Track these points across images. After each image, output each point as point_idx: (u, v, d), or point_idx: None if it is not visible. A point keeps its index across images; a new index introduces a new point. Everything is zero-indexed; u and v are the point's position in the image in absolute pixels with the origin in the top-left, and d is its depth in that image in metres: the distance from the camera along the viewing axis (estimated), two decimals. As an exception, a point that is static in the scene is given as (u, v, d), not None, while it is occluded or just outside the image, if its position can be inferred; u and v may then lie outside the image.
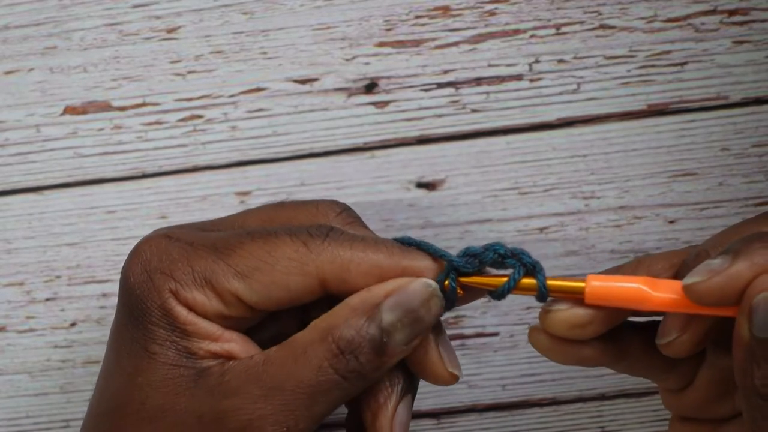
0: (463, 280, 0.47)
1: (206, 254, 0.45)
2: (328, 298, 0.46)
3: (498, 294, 0.47)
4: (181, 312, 0.45)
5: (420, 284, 0.45)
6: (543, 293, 0.46)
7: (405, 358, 0.46)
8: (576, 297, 0.46)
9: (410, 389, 0.47)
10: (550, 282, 0.46)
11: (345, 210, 0.49)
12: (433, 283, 0.46)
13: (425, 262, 0.46)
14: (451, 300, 0.47)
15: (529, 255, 0.47)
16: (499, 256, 0.47)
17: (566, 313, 0.46)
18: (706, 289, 0.44)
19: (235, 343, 0.46)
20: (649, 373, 0.49)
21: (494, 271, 0.48)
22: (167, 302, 0.45)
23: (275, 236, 0.45)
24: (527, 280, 0.46)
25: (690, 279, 0.44)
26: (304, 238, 0.45)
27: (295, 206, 0.49)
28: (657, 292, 0.45)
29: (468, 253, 0.47)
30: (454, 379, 0.47)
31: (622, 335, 0.48)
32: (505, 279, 0.46)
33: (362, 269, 0.45)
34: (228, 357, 0.45)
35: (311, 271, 0.45)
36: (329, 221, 0.48)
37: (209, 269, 0.45)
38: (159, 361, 0.45)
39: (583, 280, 0.46)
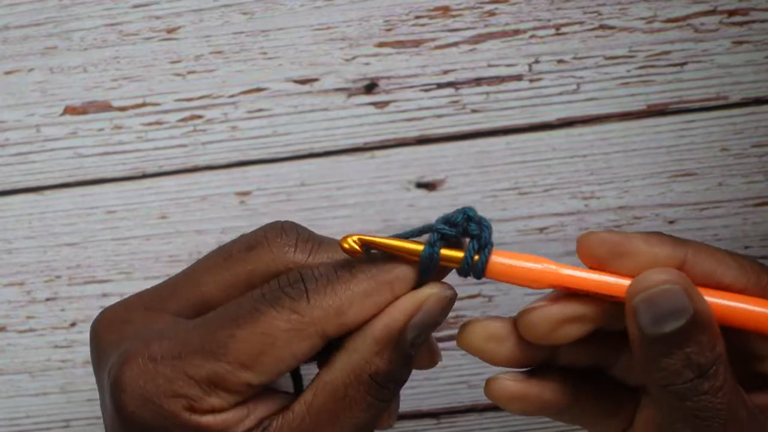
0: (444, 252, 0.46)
1: (201, 361, 0.44)
2: None
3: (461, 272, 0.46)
4: (209, 419, 0.44)
5: (438, 298, 0.45)
6: (465, 268, 0.46)
7: None
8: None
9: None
10: (447, 253, 0.46)
11: (298, 237, 0.47)
12: (450, 292, 0.45)
13: (402, 269, 0.46)
14: (434, 268, 0.46)
15: (483, 227, 0.46)
16: (466, 221, 0.46)
17: (483, 323, 0.47)
18: (598, 238, 0.45)
19: (262, 406, 0.45)
20: (594, 420, 0.49)
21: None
22: (190, 420, 0.44)
23: (260, 313, 0.44)
24: (454, 253, 0.46)
25: (589, 232, 0.45)
26: (289, 305, 0.44)
27: (246, 255, 0.47)
28: (563, 269, 0.45)
29: (448, 221, 0.46)
30: (434, 363, 0.48)
31: (571, 382, 0.48)
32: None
33: (356, 307, 0.45)
34: (260, 421, 0.45)
35: (311, 333, 0.44)
36: (290, 260, 0.46)
37: (212, 373, 0.44)
38: None
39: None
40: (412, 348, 0.45)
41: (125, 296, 0.49)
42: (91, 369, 0.59)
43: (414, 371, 0.60)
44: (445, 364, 0.60)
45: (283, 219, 0.48)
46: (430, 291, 0.45)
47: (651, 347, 0.43)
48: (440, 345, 0.60)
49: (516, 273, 0.45)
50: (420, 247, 0.45)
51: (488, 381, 0.47)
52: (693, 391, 0.43)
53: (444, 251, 0.46)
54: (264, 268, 0.46)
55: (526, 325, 0.46)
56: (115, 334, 0.47)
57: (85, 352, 0.60)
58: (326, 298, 0.44)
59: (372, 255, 0.46)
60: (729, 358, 0.44)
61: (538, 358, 0.47)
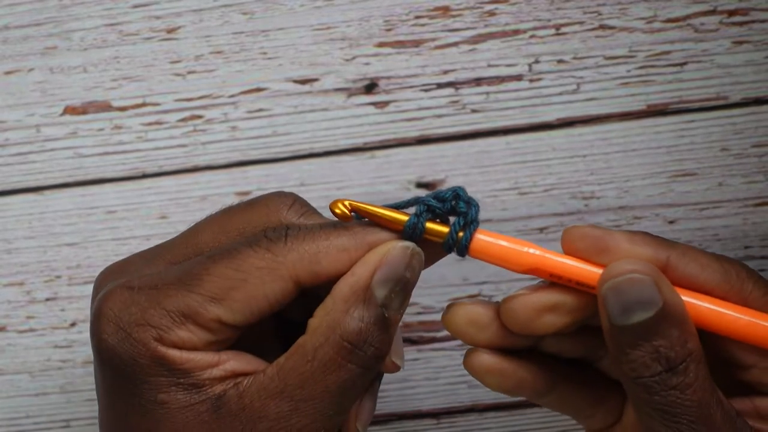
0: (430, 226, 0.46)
1: (174, 291, 0.44)
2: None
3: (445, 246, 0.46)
4: (174, 354, 0.44)
5: (398, 250, 0.45)
6: (449, 243, 0.46)
7: None
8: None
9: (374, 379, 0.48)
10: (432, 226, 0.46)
11: (296, 201, 0.48)
12: (410, 244, 0.45)
13: (385, 234, 0.46)
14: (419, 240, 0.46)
15: (471, 206, 0.46)
16: (455, 198, 0.46)
17: (466, 308, 0.47)
18: (580, 232, 0.45)
19: (234, 361, 0.45)
20: (576, 409, 0.49)
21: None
22: (156, 350, 0.44)
23: (237, 251, 0.45)
24: (439, 228, 0.46)
25: (573, 226, 0.45)
26: (266, 245, 0.45)
27: (245, 209, 0.48)
28: (543, 252, 0.45)
29: (437, 196, 0.46)
30: (396, 368, 0.48)
31: (553, 367, 0.48)
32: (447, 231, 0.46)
33: (331, 257, 0.45)
34: (234, 376, 0.45)
35: (283, 274, 0.44)
36: (283, 217, 0.47)
37: (183, 305, 0.44)
38: (172, 408, 0.44)
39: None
40: (386, 309, 0.45)
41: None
42: (91, 369, 0.60)
43: (414, 371, 0.60)
44: (445, 364, 0.60)
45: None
46: (391, 244, 0.45)
47: (620, 338, 0.43)
48: (440, 345, 0.60)
49: (498, 252, 0.45)
50: (405, 217, 0.46)
51: (467, 353, 0.47)
52: (661, 385, 0.43)
53: (429, 224, 0.46)
54: (257, 222, 0.47)
55: (507, 312, 0.46)
56: (109, 281, 0.47)
57: (85, 352, 0.60)
58: (303, 244, 0.45)
59: (361, 221, 0.46)
60: (708, 361, 0.44)
61: (520, 346, 0.47)
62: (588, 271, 0.45)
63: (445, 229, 0.46)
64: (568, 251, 0.45)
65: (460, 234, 0.46)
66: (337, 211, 0.46)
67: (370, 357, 0.45)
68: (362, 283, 0.45)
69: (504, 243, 0.46)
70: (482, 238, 0.46)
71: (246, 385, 0.44)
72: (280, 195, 0.48)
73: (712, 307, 0.44)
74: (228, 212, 0.48)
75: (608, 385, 0.49)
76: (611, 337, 0.44)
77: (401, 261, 0.45)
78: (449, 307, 0.47)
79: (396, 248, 0.45)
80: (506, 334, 0.47)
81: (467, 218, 0.46)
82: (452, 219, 0.46)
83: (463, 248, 0.46)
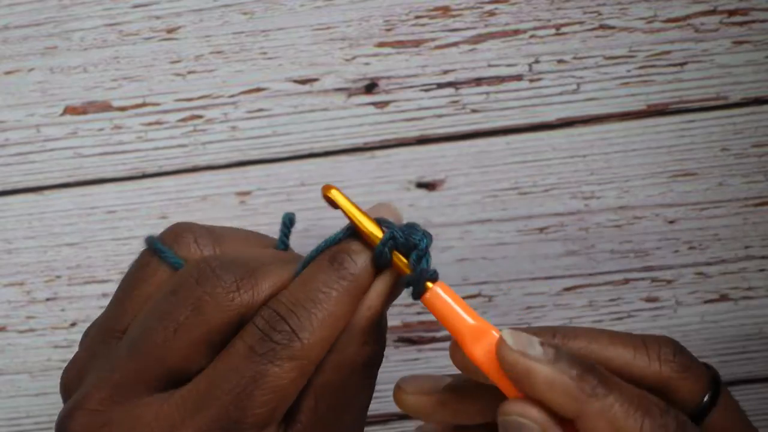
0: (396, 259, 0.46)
1: None
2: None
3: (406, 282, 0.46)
4: None
5: (390, 281, 0.46)
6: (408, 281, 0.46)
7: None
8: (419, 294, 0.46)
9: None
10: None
11: (236, 281, 0.46)
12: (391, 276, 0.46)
13: (368, 276, 0.46)
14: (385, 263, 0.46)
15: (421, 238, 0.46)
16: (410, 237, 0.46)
17: (408, 398, 0.48)
18: (503, 355, 0.43)
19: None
20: None
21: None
22: None
23: (263, 375, 0.44)
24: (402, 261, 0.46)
25: (507, 336, 0.44)
26: (286, 354, 0.44)
27: (195, 319, 0.45)
28: (473, 343, 0.44)
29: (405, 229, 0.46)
30: None
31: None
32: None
33: (339, 326, 0.45)
34: None
35: (311, 369, 0.45)
36: (236, 303, 0.45)
37: None
38: None
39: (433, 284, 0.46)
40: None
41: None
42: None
43: (414, 372, 0.60)
44: (444, 364, 0.60)
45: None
46: (383, 279, 0.46)
47: None
48: (440, 345, 0.60)
49: (445, 313, 0.45)
50: (379, 235, 0.46)
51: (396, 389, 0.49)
52: None
53: (396, 257, 0.46)
54: (218, 323, 0.45)
55: (399, 399, 0.48)
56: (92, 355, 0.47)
57: (85, 352, 0.60)
58: (315, 332, 0.44)
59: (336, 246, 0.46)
60: None
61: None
62: (507, 388, 0.44)
63: (405, 268, 0.46)
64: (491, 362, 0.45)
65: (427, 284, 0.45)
66: (330, 196, 0.46)
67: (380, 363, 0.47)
68: (377, 314, 0.46)
69: (452, 305, 0.45)
70: (436, 290, 0.45)
71: None
72: (205, 274, 0.45)
73: None
74: (178, 330, 0.45)
75: None
76: None
77: (395, 290, 0.47)
78: (396, 388, 0.48)
79: (387, 281, 0.46)
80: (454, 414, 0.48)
81: (419, 251, 0.46)
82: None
83: (417, 293, 0.46)
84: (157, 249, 0.46)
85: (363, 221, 0.46)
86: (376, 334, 0.46)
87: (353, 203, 0.46)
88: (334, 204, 0.46)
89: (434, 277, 0.45)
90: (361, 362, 0.45)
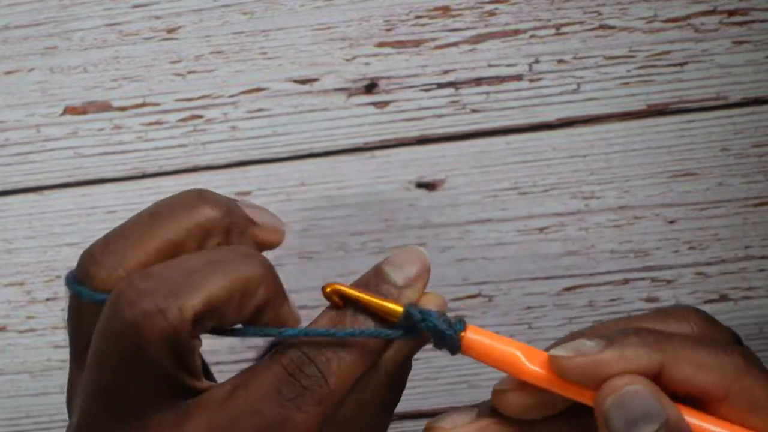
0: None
1: None
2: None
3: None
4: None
5: None
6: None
7: None
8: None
9: None
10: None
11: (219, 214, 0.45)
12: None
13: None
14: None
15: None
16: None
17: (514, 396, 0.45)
18: (568, 366, 0.43)
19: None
20: None
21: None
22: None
23: (290, 422, 0.42)
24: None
25: (556, 351, 0.43)
26: (313, 400, 0.42)
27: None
28: (530, 363, 0.44)
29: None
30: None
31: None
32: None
33: (357, 373, 0.44)
34: None
35: (333, 409, 0.43)
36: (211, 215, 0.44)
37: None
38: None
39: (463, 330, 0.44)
40: None
41: None
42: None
43: (414, 371, 0.60)
44: (444, 364, 0.60)
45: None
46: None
47: None
48: (440, 345, 0.60)
49: (488, 352, 0.44)
50: (399, 309, 0.43)
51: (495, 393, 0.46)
52: None
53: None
54: (156, 352, 0.42)
55: (502, 402, 0.45)
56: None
57: (85, 352, 0.60)
58: (343, 374, 0.43)
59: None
60: None
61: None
62: (582, 392, 0.44)
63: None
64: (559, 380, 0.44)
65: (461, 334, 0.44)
66: (335, 300, 0.43)
67: None
68: (403, 357, 0.45)
69: (493, 343, 0.44)
70: (472, 337, 0.44)
71: None
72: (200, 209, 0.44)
73: (707, 426, 0.44)
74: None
75: None
76: None
77: None
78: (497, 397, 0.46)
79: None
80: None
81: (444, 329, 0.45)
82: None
83: (454, 351, 0.44)
84: (75, 291, 0.44)
85: (382, 304, 0.43)
86: (401, 375, 0.45)
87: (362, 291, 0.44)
88: (339, 303, 0.43)
89: (463, 328, 0.44)
90: (381, 402, 0.44)
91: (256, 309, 0.43)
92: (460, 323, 0.44)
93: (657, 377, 0.43)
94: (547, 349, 0.44)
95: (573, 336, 0.45)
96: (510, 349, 0.44)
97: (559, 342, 0.45)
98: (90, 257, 0.44)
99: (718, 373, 0.43)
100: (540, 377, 0.44)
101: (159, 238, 0.44)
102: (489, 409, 0.46)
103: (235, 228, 0.45)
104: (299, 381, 0.42)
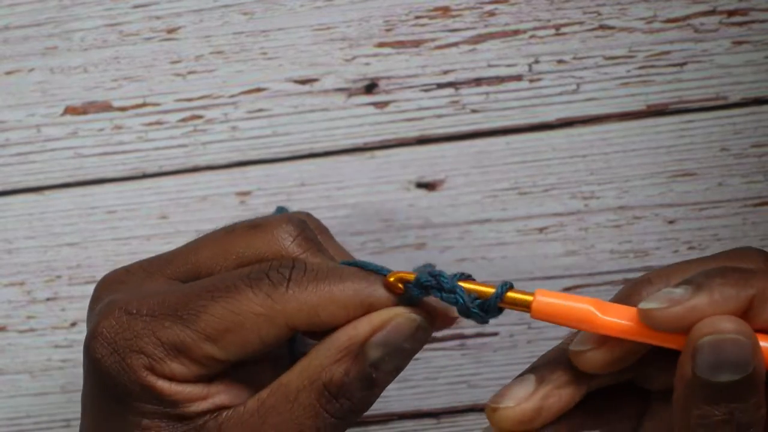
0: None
1: (171, 324, 0.44)
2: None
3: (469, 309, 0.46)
4: (164, 385, 0.44)
5: (405, 321, 0.45)
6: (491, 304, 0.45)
7: None
8: (522, 309, 0.45)
9: None
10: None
11: (301, 233, 0.47)
12: (418, 317, 0.45)
13: (384, 296, 0.45)
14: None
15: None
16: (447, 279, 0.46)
17: (514, 411, 0.45)
18: (662, 317, 0.43)
19: (224, 394, 0.45)
20: (595, 421, 0.48)
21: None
22: (147, 379, 0.44)
23: (236, 291, 0.44)
24: (485, 288, 0.45)
25: (648, 304, 0.43)
26: (267, 289, 0.44)
27: (248, 232, 0.47)
28: (605, 315, 0.44)
29: (431, 272, 0.46)
30: (449, 321, 0.47)
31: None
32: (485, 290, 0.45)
33: (330, 312, 0.44)
34: (221, 409, 0.45)
35: (280, 322, 0.44)
36: (284, 249, 0.46)
37: (178, 339, 0.44)
38: None
39: (532, 294, 0.45)
40: (374, 370, 0.44)
41: None
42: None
43: (414, 371, 0.60)
44: (445, 364, 0.60)
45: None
46: (400, 311, 0.45)
47: (699, 391, 0.42)
48: (440, 345, 0.60)
49: (562, 312, 0.44)
50: (491, 289, 0.45)
51: (489, 411, 0.46)
52: None
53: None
54: (258, 249, 0.46)
55: (582, 361, 0.45)
56: (108, 291, 0.47)
57: (85, 351, 0.60)
58: (305, 293, 0.44)
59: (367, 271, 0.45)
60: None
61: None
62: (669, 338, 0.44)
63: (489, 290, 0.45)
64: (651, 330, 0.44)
65: (516, 295, 0.45)
66: (395, 283, 0.45)
67: (345, 410, 0.44)
68: (359, 339, 0.44)
69: (567, 303, 0.44)
70: (544, 300, 0.44)
71: (225, 417, 0.45)
72: (287, 222, 0.47)
73: None
74: (231, 233, 0.47)
75: (632, 396, 0.48)
76: (688, 387, 0.43)
77: (405, 332, 0.45)
78: (491, 414, 0.46)
79: (403, 319, 0.45)
80: (552, 414, 0.46)
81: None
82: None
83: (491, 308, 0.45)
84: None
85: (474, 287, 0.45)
86: (354, 368, 0.44)
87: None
88: (399, 289, 0.45)
89: (509, 287, 0.45)
90: (323, 380, 0.44)
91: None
92: (503, 287, 0.45)
93: (744, 313, 0.43)
94: (615, 301, 0.44)
95: (636, 284, 0.45)
96: (583, 305, 0.44)
97: (626, 291, 0.45)
98: (96, 333, 0.47)
99: None
100: (617, 328, 0.44)
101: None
102: (543, 374, 0.46)
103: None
104: (266, 270, 0.45)
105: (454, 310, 0.46)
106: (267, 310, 0.44)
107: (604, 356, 0.44)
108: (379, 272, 0.45)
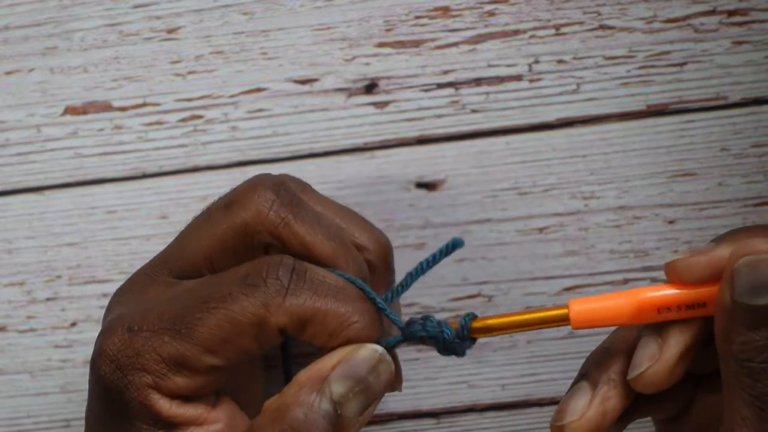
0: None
1: (170, 339, 0.44)
2: None
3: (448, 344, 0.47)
4: (164, 406, 0.45)
5: (367, 351, 0.45)
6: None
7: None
8: (561, 323, 0.45)
9: None
10: (533, 315, 0.46)
11: (276, 199, 0.47)
12: (380, 349, 0.45)
13: (365, 330, 0.46)
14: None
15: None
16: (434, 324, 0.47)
17: (581, 423, 0.46)
18: (686, 266, 0.44)
19: (220, 423, 0.46)
20: (648, 409, 0.48)
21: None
22: (148, 398, 0.44)
23: (232, 301, 0.44)
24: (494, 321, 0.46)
25: (674, 257, 0.44)
26: (263, 298, 0.44)
27: (225, 214, 0.47)
28: (639, 303, 0.44)
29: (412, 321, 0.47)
30: (394, 387, 0.48)
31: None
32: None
33: (315, 330, 0.45)
34: None
35: (275, 330, 0.45)
36: (267, 216, 0.46)
37: (178, 354, 0.44)
38: None
39: (564, 307, 0.45)
40: (340, 407, 0.44)
41: None
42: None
43: (414, 371, 0.60)
44: (444, 364, 0.60)
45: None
46: (366, 345, 0.45)
47: (740, 316, 0.42)
48: (440, 345, 0.60)
49: (599, 312, 0.45)
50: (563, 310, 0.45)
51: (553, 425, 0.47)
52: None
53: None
54: (240, 224, 0.47)
55: (644, 385, 0.45)
56: (118, 302, 0.48)
57: (85, 351, 0.60)
58: (301, 307, 0.45)
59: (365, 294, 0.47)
60: None
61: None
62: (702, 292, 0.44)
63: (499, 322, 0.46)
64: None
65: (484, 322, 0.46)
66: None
67: None
68: (320, 374, 0.45)
69: (602, 303, 0.45)
70: (580, 307, 0.45)
71: None
72: (262, 189, 0.47)
73: None
74: (207, 219, 0.48)
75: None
76: (728, 314, 0.43)
77: (366, 363, 0.45)
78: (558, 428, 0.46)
79: (365, 349, 0.45)
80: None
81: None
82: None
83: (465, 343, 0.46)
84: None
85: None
86: (316, 402, 0.45)
87: None
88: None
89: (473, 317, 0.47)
90: (288, 420, 0.44)
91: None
92: (466, 318, 0.45)
93: None
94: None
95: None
96: (617, 301, 0.45)
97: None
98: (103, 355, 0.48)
99: None
100: (654, 301, 0.44)
101: None
102: (595, 378, 0.46)
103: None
104: (264, 277, 0.45)
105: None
106: (262, 319, 0.44)
107: (662, 368, 0.45)
108: (379, 305, 0.46)
